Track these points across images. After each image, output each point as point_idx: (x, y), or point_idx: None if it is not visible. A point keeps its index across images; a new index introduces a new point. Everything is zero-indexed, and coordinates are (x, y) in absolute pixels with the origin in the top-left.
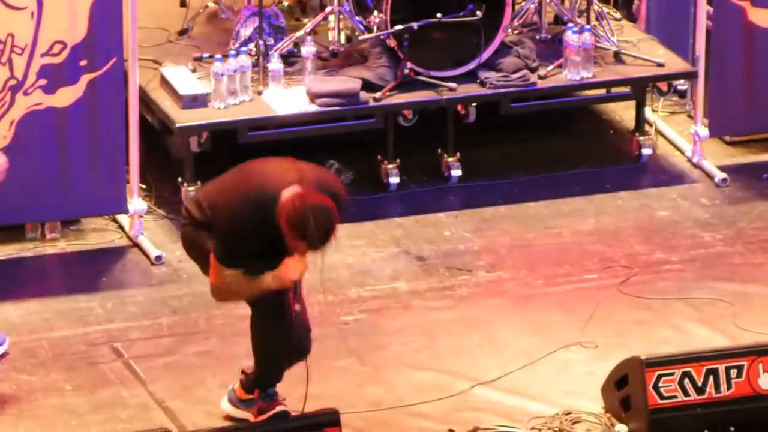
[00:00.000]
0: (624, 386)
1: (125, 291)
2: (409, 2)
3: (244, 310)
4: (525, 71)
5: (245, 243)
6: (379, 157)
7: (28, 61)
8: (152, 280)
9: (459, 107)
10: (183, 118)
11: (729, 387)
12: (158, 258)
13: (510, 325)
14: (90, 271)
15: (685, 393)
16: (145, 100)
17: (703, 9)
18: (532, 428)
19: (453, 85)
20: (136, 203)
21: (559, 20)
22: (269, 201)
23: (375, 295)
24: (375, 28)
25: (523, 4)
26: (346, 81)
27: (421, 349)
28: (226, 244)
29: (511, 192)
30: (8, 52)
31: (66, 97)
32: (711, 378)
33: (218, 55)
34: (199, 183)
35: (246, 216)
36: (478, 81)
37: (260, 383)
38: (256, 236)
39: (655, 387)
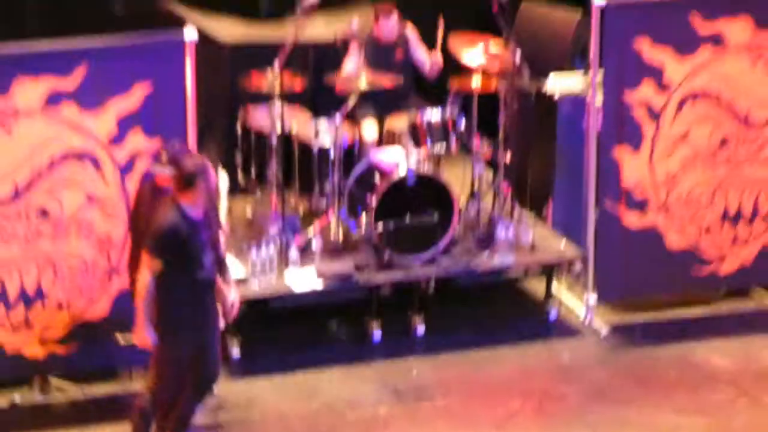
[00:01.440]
0: None
1: None
2: (386, 209)
3: None
4: (467, 258)
5: None
6: (366, 318)
7: None
8: None
9: (422, 283)
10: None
11: None
12: None
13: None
14: None
15: None
16: None
17: (592, 218)
18: None
19: (418, 267)
20: None
21: (491, 221)
22: None
23: (364, 414)
24: (363, 227)
25: (467, 209)
26: (343, 265)
27: None
28: None
29: (459, 342)
30: None
31: None
32: None
33: (253, 247)
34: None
35: None
36: (436, 264)
37: None
38: None
39: None
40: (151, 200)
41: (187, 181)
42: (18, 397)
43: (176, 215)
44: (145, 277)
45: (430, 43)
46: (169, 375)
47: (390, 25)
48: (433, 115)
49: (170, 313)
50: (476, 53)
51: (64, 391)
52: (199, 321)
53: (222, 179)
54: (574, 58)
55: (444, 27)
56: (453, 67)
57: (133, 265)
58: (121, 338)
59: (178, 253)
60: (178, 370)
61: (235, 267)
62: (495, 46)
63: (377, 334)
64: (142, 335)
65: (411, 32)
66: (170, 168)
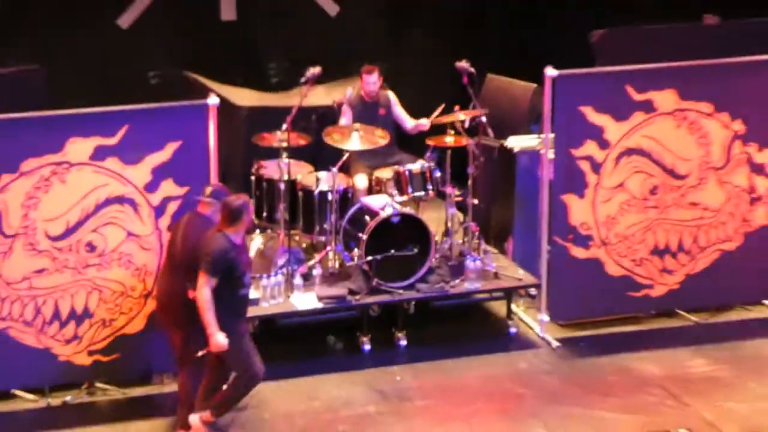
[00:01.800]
0: None
1: None
2: (375, 244)
3: None
4: (442, 283)
5: None
6: (357, 333)
7: None
8: None
9: (404, 304)
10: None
11: None
12: None
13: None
14: None
15: None
16: None
17: (545, 251)
18: None
19: (401, 291)
20: None
21: (461, 253)
22: None
23: (356, 412)
24: (356, 259)
25: (442, 244)
26: (339, 289)
27: None
28: None
29: (435, 353)
30: None
31: None
32: None
33: (264, 275)
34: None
35: None
36: (416, 289)
37: None
38: None
39: None
40: (189, 227)
41: (234, 215)
42: (69, 397)
43: (226, 242)
44: (205, 293)
45: (414, 109)
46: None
47: (372, 81)
48: (413, 166)
49: (220, 321)
50: (450, 117)
51: (107, 393)
52: (241, 329)
53: None
54: (530, 120)
55: (439, 111)
56: (431, 127)
57: (163, 281)
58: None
59: (228, 273)
60: (224, 369)
61: (250, 291)
62: (465, 111)
63: (367, 346)
64: (216, 340)
65: (392, 95)
66: (212, 199)
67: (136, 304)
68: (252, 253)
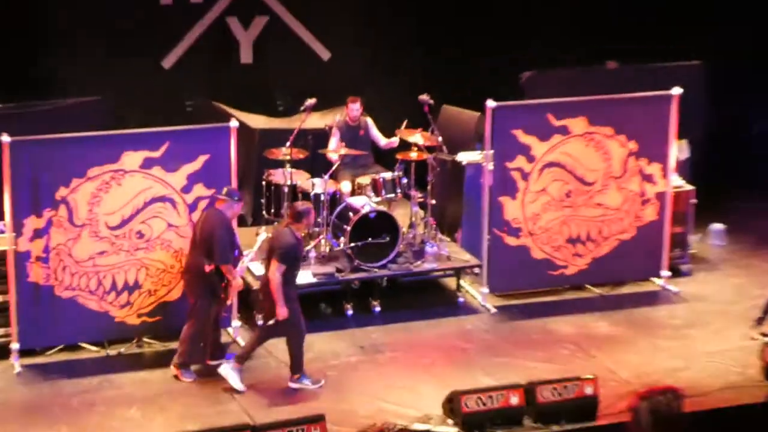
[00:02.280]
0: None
1: None
2: (356, 234)
3: None
4: (407, 264)
5: None
6: (343, 302)
7: None
8: None
9: (379, 280)
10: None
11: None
12: None
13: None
14: None
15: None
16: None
17: (486, 239)
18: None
19: (376, 270)
20: None
21: (422, 241)
22: None
23: (341, 361)
24: (342, 245)
25: (407, 234)
26: (329, 268)
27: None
28: None
29: (402, 317)
30: None
31: None
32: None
33: None
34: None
35: None
36: (388, 268)
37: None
38: None
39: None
40: (208, 218)
41: (298, 215)
42: (123, 349)
43: (292, 237)
44: (277, 277)
45: (387, 130)
46: (276, 329)
47: (355, 109)
48: (386, 175)
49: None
50: (414, 137)
51: (152, 346)
52: (294, 299)
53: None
54: (475, 140)
55: (404, 125)
56: (400, 145)
57: (188, 258)
58: None
59: (292, 261)
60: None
61: (259, 269)
62: (425, 133)
63: (350, 312)
64: (282, 312)
65: (370, 120)
66: (226, 197)
67: (174, 279)
68: (261, 240)
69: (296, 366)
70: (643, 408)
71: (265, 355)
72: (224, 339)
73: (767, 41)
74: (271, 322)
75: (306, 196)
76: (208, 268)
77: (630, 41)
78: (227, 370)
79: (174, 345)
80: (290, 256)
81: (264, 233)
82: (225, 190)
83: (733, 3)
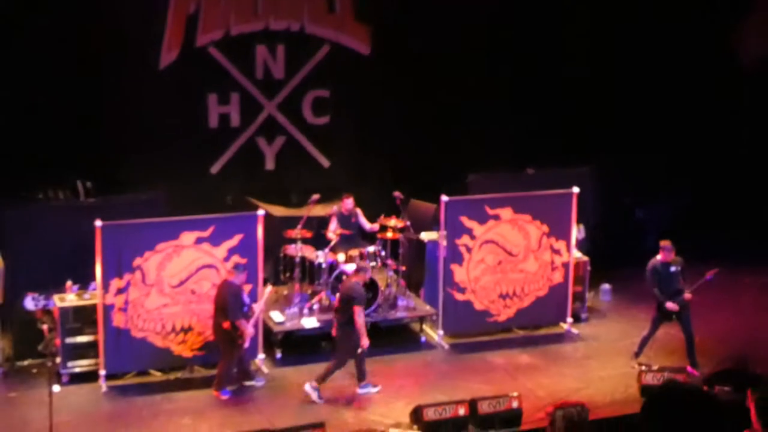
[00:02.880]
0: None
1: None
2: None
3: None
4: (384, 314)
5: None
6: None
7: None
8: None
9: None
10: (277, 328)
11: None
12: None
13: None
14: None
15: (436, 415)
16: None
17: (441, 295)
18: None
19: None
20: None
21: (395, 297)
22: None
23: (337, 384)
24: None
25: (384, 291)
26: (328, 316)
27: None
28: None
29: (380, 352)
30: None
31: None
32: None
33: (287, 308)
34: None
35: None
36: (370, 317)
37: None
38: None
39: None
40: (222, 287)
41: (360, 270)
42: (180, 374)
43: (360, 287)
44: (362, 317)
45: (371, 217)
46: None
47: (348, 203)
48: (369, 249)
49: (351, 329)
50: (390, 222)
51: (201, 372)
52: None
53: (267, 289)
54: (433, 224)
55: (382, 217)
56: (379, 228)
57: (214, 319)
58: None
59: (365, 303)
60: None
61: (278, 317)
62: (398, 218)
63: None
64: (366, 341)
65: (359, 210)
66: (234, 270)
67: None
68: (267, 293)
69: (360, 373)
70: (558, 416)
71: (281, 379)
72: (253, 367)
73: (645, 148)
74: (359, 351)
75: (312, 264)
76: (225, 324)
77: (543, 152)
78: (309, 389)
79: (215, 372)
80: (364, 300)
81: (270, 287)
82: (232, 265)
83: (615, 123)
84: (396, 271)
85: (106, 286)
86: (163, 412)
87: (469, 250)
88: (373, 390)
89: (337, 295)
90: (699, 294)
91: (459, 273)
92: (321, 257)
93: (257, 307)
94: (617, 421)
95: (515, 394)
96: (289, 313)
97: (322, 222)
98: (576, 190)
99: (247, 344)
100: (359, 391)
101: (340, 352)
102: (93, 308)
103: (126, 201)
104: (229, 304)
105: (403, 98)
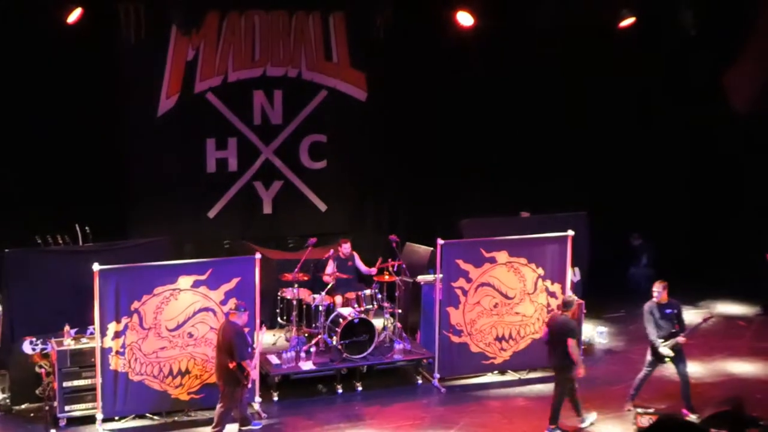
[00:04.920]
0: None
1: None
2: (344, 334)
3: None
4: (381, 356)
5: None
6: (334, 383)
7: None
8: None
9: (361, 367)
10: (275, 371)
11: None
12: None
13: None
14: None
15: None
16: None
17: (437, 338)
18: None
19: (358, 360)
20: None
21: (391, 339)
22: None
23: (333, 426)
24: (334, 342)
25: (381, 334)
26: (324, 359)
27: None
28: None
29: (377, 395)
30: None
31: None
32: None
33: (284, 351)
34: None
35: None
36: (367, 359)
37: None
38: None
39: None
40: (225, 328)
41: (567, 305)
42: (176, 417)
43: (570, 320)
44: (577, 348)
45: (367, 261)
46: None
47: (345, 246)
48: (366, 291)
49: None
50: (386, 267)
51: (197, 414)
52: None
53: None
54: (428, 267)
55: (380, 261)
56: (378, 272)
57: (217, 360)
58: None
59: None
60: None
61: (276, 360)
62: (394, 262)
63: (339, 390)
64: (583, 370)
65: (356, 254)
66: (236, 311)
67: (214, 367)
68: (262, 336)
69: (557, 414)
70: None
71: (278, 421)
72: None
73: (636, 196)
74: (576, 385)
75: (309, 307)
76: (231, 365)
77: (537, 197)
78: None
79: (212, 414)
80: (576, 332)
81: (264, 329)
82: (234, 305)
83: (609, 171)
84: (392, 314)
85: (103, 330)
86: None
87: (465, 292)
88: (591, 418)
89: (546, 329)
90: (693, 338)
91: (455, 316)
92: (318, 300)
93: (256, 353)
94: None
95: None
96: (286, 357)
97: (319, 265)
98: (571, 233)
99: (249, 385)
100: (580, 425)
101: (559, 386)
102: (91, 352)
103: (125, 246)
104: (236, 343)
105: (399, 143)
